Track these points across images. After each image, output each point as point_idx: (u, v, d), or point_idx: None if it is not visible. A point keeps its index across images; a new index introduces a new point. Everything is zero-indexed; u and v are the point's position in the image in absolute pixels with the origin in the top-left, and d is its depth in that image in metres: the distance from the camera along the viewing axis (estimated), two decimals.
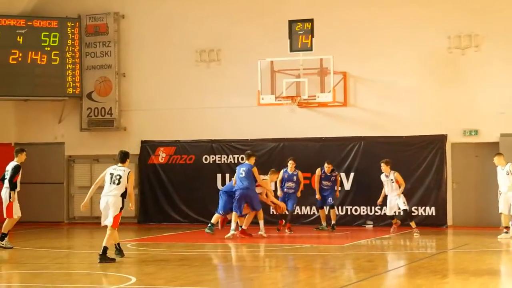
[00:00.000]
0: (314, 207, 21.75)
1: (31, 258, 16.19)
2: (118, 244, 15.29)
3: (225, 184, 22.79)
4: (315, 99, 20.62)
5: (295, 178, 20.25)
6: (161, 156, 23.57)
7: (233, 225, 18.63)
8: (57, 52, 23.62)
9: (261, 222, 18.88)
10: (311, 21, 20.42)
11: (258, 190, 19.03)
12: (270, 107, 21.60)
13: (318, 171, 20.63)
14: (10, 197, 17.14)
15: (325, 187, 20.58)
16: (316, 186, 20.53)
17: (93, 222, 24.02)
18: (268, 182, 19.48)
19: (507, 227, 18.61)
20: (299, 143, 22.32)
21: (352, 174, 21.94)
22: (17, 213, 17.24)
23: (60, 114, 24.48)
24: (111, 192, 14.83)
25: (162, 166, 23.51)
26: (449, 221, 21.51)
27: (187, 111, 23.46)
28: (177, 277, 13.10)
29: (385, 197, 19.83)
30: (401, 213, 19.72)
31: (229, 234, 18.43)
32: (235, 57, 22.98)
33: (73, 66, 23.83)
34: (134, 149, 23.76)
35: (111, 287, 12.38)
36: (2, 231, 17.18)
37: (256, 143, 22.70)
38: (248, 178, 18.63)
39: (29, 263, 15.69)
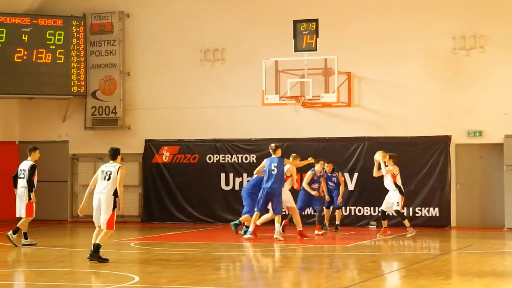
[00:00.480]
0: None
1: (35, 257, 16.21)
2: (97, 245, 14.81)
3: (229, 183, 22.83)
4: (319, 99, 20.62)
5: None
6: (165, 155, 23.58)
7: (251, 227, 18.32)
8: (62, 50, 23.64)
9: (278, 226, 18.33)
10: (315, 21, 20.43)
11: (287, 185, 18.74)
12: (274, 107, 21.60)
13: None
14: (30, 197, 17.37)
15: (330, 188, 20.54)
16: (323, 188, 20.19)
17: None
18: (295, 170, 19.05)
19: None
20: (303, 143, 22.32)
21: (355, 175, 21.93)
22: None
23: (64, 113, 24.51)
24: (104, 189, 14.76)
25: (166, 165, 23.52)
26: (453, 222, 21.50)
27: (191, 110, 23.47)
28: (180, 277, 13.11)
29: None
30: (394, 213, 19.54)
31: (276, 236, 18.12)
32: (239, 57, 22.98)
33: (78, 65, 23.85)
34: (138, 148, 23.80)
35: (114, 286, 12.39)
36: (23, 230, 17.35)
37: (260, 143, 22.70)
38: (279, 177, 18.14)
39: (33, 261, 15.72)
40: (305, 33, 20.40)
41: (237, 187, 22.79)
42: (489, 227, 21.14)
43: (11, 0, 23.62)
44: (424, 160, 21.58)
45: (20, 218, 17.62)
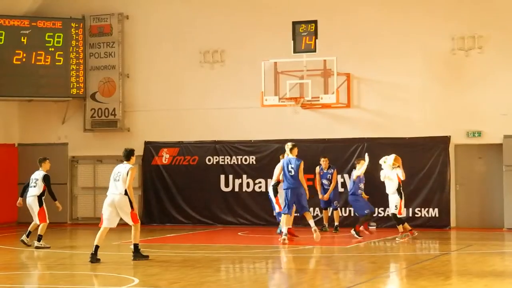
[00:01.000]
0: (317, 208, 21.73)
1: (35, 259, 16.21)
2: (137, 244, 15.29)
3: (228, 185, 22.83)
4: (318, 100, 20.61)
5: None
6: (165, 157, 23.58)
7: (284, 229, 18.05)
8: (61, 52, 23.65)
9: (312, 222, 18.08)
10: (314, 22, 20.42)
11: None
12: (273, 108, 21.61)
13: (317, 169, 20.56)
14: (39, 204, 17.66)
15: (326, 187, 20.51)
16: (318, 186, 20.48)
17: (96, 223, 24.05)
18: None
19: None
20: (302, 144, 22.22)
21: None
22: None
23: (63, 115, 24.51)
24: (116, 190, 14.99)
25: (166, 167, 23.53)
26: (452, 223, 21.51)
27: (190, 112, 23.47)
28: (181, 279, 13.11)
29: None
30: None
31: (281, 239, 17.94)
32: (238, 58, 22.99)
33: (77, 67, 23.85)
34: (138, 150, 23.64)
35: None
36: (39, 233, 17.60)
37: (259, 144, 22.71)
38: (297, 176, 17.96)
39: (33, 264, 15.72)
40: (304, 34, 20.40)
41: (236, 189, 22.81)
42: (489, 228, 21.15)
43: (10, 2, 23.64)
44: (424, 160, 21.58)
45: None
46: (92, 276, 13.84)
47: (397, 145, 21.45)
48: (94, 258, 14.82)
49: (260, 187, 22.58)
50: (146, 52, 23.94)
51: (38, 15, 23.91)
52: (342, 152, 22.12)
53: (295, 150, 18.13)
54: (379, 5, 22.17)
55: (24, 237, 17.85)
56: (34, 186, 17.80)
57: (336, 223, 20.41)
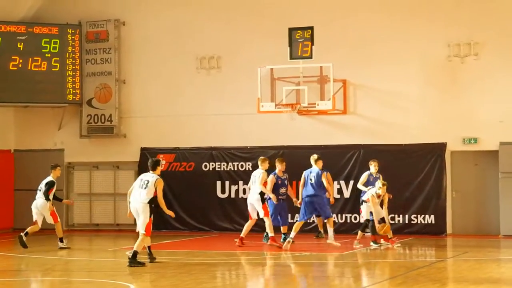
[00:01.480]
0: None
1: (31, 266, 16.19)
2: (149, 247, 15.76)
3: (225, 191, 22.84)
4: (315, 106, 20.63)
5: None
6: (161, 163, 23.54)
7: (292, 234, 18.24)
8: (58, 58, 23.63)
9: (331, 230, 18.37)
10: (311, 28, 20.45)
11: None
12: (270, 114, 21.62)
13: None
14: (48, 208, 18.66)
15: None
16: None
17: (92, 229, 24.06)
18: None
19: None
20: (298, 150, 22.32)
21: (351, 182, 21.91)
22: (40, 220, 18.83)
23: (60, 121, 24.48)
24: (140, 197, 15.49)
25: (162, 174, 23.18)
26: (449, 229, 21.52)
27: (187, 118, 23.48)
28: (176, 285, 13.10)
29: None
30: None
31: (285, 244, 18.15)
32: (235, 64, 23.01)
33: (73, 73, 23.84)
34: (134, 156, 23.79)
35: None
36: (58, 236, 18.65)
37: (256, 151, 22.70)
38: (316, 185, 18.33)
39: (29, 270, 15.69)
40: (300, 40, 20.43)
41: (233, 195, 22.80)
42: (485, 234, 21.16)
43: (6, 8, 23.62)
44: (420, 167, 21.59)
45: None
46: (89, 282, 13.82)
47: (393, 152, 21.48)
48: (152, 257, 15.57)
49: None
50: (142, 58, 23.94)
51: (34, 21, 23.90)
52: (338, 159, 22.11)
53: (320, 162, 18.57)
54: (376, 12, 22.20)
55: (22, 234, 18.59)
56: (40, 190, 18.82)
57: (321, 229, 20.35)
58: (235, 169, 22.83)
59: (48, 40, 23.53)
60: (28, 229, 18.72)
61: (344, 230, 21.66)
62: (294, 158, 21.67)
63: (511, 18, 21.37)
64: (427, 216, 21.44)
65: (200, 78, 23.40)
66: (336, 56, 21.47)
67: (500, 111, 21.25)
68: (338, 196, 21.65)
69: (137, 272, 14.93)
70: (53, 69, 23.60)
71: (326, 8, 22.46)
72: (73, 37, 23.83)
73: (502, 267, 15.63)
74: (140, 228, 15.35)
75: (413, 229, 21.25)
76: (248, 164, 22.72)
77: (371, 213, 18.36)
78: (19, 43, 23.25)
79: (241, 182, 22.65)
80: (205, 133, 23.24)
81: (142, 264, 15.21)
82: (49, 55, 23.52)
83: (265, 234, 19.31)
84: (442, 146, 21.57)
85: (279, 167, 19.26)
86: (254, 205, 18.80)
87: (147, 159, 23.50)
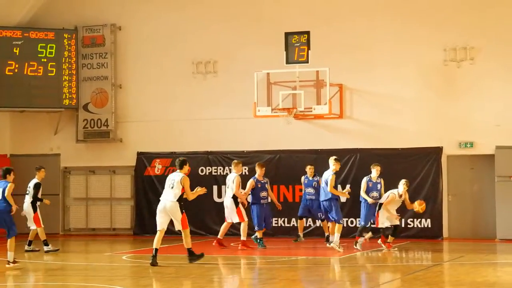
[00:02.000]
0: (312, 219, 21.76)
1: (26, 270, 16.15)
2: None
3: (221, 196, 22.82)
4: (311, 111, 20.65)
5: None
6: (157, 167, 23.56)
7: (336, 237, 18.60)
8: (54, 63, 23.63)
9: (338, 235, 18.52)
10: (307, 33, 20.47)
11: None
12: (266, 119, 21.63)
13: (302, 178, 20.62)
14: (34, 210, 18.88)
15: (309, 196, 20.48)
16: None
17: (89, 233, 24.04)
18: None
19: None
20: (295, 155, 22.34)
21: (347, 186, 21.90)
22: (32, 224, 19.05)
23: (56, 126, 24.47)
24: (168, 197, 16.07)
25: (158, 178, 23.49)
26: (445, 233, 21.53)
27: (183, 122, 23.48)
28: None
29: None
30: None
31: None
32: (231, 69, 23.02)
33: (70, 78, 23.84)
34: (130, 161, 23.79)
35: None
36: (42, 239, 18.89)
37: (252, 155, 22.71)
38: (327, 188, 18.50)
39: (24, 275, 15.66)
40: (296, 45, 20.45)
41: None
42: (481, 238, 21.17)
43: (2, 13, 23.62)
44: (416, 171, 21.61)
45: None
46: (85, 287, 13.79)
47: (389, 156, 21.50)
48: (154, 261, 15.75)
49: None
50: (138, 62, 23.94)
51: (30, 26, 23.90)
52: None
53: (338, 164, 18.70)
54: (372, 16, 22.23)
55: (26, 247, 18.92)
56: (28, 193, 19.03)
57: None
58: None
59: (44, 45, 23.53)
60: (30, 237, 19.11)
61: (341, 234, 21.61)
62: (291, 163, 21.69)
63: (507, 23, 21.42)
64: (423, 220, 21.46)
65: (197, 83, 23.41)
66: (332, 60, 21.49)
67: (496, 115, 21.28)
68: None
69: (133, 276, 14.93)
70: (49, 74, 23.59)
71: (322, 13, 22.49)
72: (69, 42, 23.84)
73: (498, 271, 15.65)
74: (178, 226, 16.00)
75: (409, 233, 21.26)
76: (245, 169, 22.68)
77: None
78: (15, 48, 23.25)
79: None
80: (201, 138, 23.24)
81: (201, 256, 16.01)
82: (45, 60, 23.52)
83: (253, 237, 19.42)
84: (438, 150, 21.60)
85: (259, 171, 19.49)
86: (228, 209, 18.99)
87: (143, 164, 23.72)
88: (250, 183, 19.32)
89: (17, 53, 23.27)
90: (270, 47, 22.07)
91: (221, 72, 23.20)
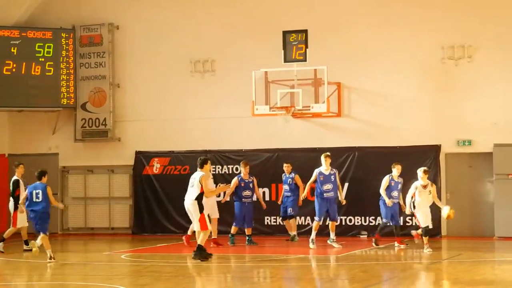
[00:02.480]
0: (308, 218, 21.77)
1: (25, 270, 16.16)
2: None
3: (219, 194, 22.78)
4: (309, 109, 20.63)
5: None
6: (156, 166, 23.56)
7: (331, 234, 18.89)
8: (51, 63, 23.62)
9: (314, 233, 18.80)
10: (305, 32, 20.45)
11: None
12: (264, 117, 21.62)
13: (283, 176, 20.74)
14: (14, 208, 18.70)
15: (285, 193, 20.48)
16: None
17: (88, 233, 24.04)
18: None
19: None
20: (293, 153, 22.33)
21: (346, 185, 21.94)
22: (21, 223, 18.78)
23: (54, 125, 24.46)
24: (188, 196, 16.34)
25: (157, 177, 23.50)
26: (443, 231, 21.54)
27: (181, 121, 23.48)
28: None
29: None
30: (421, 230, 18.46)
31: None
32: (229, 68, 23.02)
33: (67, 77, 23.83)
34: (129, 160, 23.78)
35: None
36: (4, 236, 18.73)
37: (250, 154, 22.71)
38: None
39: (23, 275, 15.67)
40: (294, 43, 20.44)
41: (227, 198, 22.74)
42: (479, 236, 21.19)
43: (0, 13, 23.61)
44: (414, 169, 21.45)
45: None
46: (84, 286, 13.80)
47: (387, 154, 21.48)
48: (203, 255, 16.12)
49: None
50: (136, 62, 23.93)
51: (28, 26, 23.89)
52: (333, 161, 21.99)
53: (328, 160, 18.98)
54: (370, 14, 22.23)
55: (25, 247, 18.75)
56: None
57: (293, 233, 20.26)
58: (230, 172, 22.81)
59: (42, 44, 23.51)
60: (23, 237, 18.97)
61: (339, 232, 21.61)
62: (289, 161, 21.68)
63: (505, 20, 21.41)
64: None
65: (195, 82, 23.41)
66: (330, 59, 21.49)
67: (494, 113, 21.28)
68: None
69: (132, 276, 14.93)
70: (47, 74, 23.58)
71: (320, 11, 22.49)
72: (67, 41, 23.82)
73: (496, 268, 15.66)
74: (196, 226, 16.14)
75: (408, 231, 21.24)
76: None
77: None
78: (12, 48, 23.24)
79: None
80: (199, 136, 23.24)
81: (209, 255, 16.11)
82: (43, 59, 23.51)
83: (247, 237, 19.55)
84: (436, 148, 21.61)
85: (243, 170, 19.72)
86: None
87: (141, 163, 23.72)
88: (234, 181, 19.73)
89: (15, 53, 23.25)
90: (268, 46, 22.07)
91: (219, 71, 23.20)
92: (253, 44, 22.76)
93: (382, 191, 18.89)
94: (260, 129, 22.67)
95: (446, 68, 21.65)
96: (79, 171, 24.31)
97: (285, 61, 20.46)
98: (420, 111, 21.84)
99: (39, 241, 16.92)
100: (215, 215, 19.47)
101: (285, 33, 20.55)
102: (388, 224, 19.05)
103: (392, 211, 18.90)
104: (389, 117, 21.98)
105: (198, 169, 16.61)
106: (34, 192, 16.80)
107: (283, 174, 20.68)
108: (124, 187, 23.93)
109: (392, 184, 18.92)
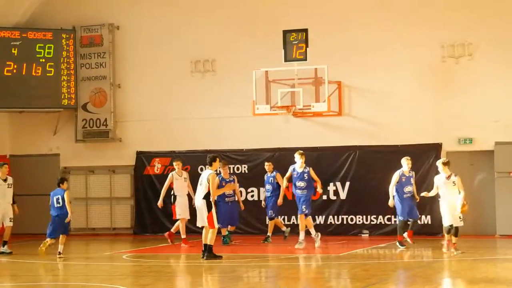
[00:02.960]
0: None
1: (27, 270, 16.17)
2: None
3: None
4: (310, 108, 20.63)
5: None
6: (157, 166, 23.57)
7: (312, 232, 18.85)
8: (52, 63, 23.62)
9: (312, 230, 18.80)
10: (305, 31, 20.44)
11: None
12: (265, 117, 21.62)
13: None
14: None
15: (266, 192, 20.39)
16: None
17: (89, 233, 24.04)
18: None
19: None
20: (294, 152, 22.27)
21: (347, 184, 21.94)
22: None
23: (55, 126, 24.47)
24: (197, 195, 16.47)
25: (158, 177, 23.49)
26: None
27: (182, 121, 23.48)
28: None
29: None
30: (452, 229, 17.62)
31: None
32: (230, 67, 23.02)
33: (68, 78, 23.84)
34: (130, 160, 23.79)
35: None
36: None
37: (251, 153, 22.72)
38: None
39: (24, 275, 15.68)
40: (295, 43, 20.43)
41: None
42: (481, 234, 21.17)
43: (0, 13, 23.61)
44: (416, 168, 21.46)
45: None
46: (86, 287, 13.80)
47: (388, 153, 21.49)
48: (215, 256, 16.33)
49: (252, 195, 22.58)
50: (137, 62, 23.94)
51: (28, 26, 23.90)
52: (334, 160, 22.13)
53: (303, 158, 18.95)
54: (370, 13, 22.22)
55: (1, 249, 18.70)
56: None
57: (268, 234, 20.16)
58: (231, 171, 22.77)
59: (42, 45, 23.52)
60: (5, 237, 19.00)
61: (341, 231, 21.67)
62: (289, 160, 21.64)
63: (505, 18, 21.40)
64: (423, 216, 21.43)
65: (195, 81, 23.41)
66: (331, 58, 21.47)
67: (495, 111, 21.27)
68: (335, 198, 21.67)
69: (133, 276, 14.94)
70: (47, 74, 23.58)
71: (320, 10, 22.48)
72: (67, 42, 23.83)
73: (498, 267, 15.66)
74: (204, 224, 16.24)
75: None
76: (244, 167, 22.75)
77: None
78: (13, 49, 23.24)
79: (236, 185, 22.60)
80: (200, 136, 23.24)
81: (219, 257, 16.19)
82: (43, 60, 23.51)
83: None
84: (437, 147, 21.60)
85: (223, 171, 19.74)
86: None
87: (142, 163, 23.72)
88: (216, 181, 19.42)
89: (16, 54, 23.26)
90: (268, 45, 22.06)
91: (220, 71, 23.20)
92: (253, 43, 22.76)
93: (391, 187, 18.44)
94: (261, 129, 22.66)
95: (446, 66, 21.64)
96: (80, 172, 24.32)
97: (286, 60, 20.46)
98: (421, 109, 21.83)
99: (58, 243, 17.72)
100: (186, 215, 19.48)
101: (285, 33, 20.55)
102: (408, 222, 18.65)
103: (408, 207, 18.55)
104: (390, 116, 21.97)
105: (207, 167, 16.73)
106: (55, 198, 17.72)
107: (265, 174, 20.52)
108: (125, 188, 23.94)
109: (403, 179, 18.51)
